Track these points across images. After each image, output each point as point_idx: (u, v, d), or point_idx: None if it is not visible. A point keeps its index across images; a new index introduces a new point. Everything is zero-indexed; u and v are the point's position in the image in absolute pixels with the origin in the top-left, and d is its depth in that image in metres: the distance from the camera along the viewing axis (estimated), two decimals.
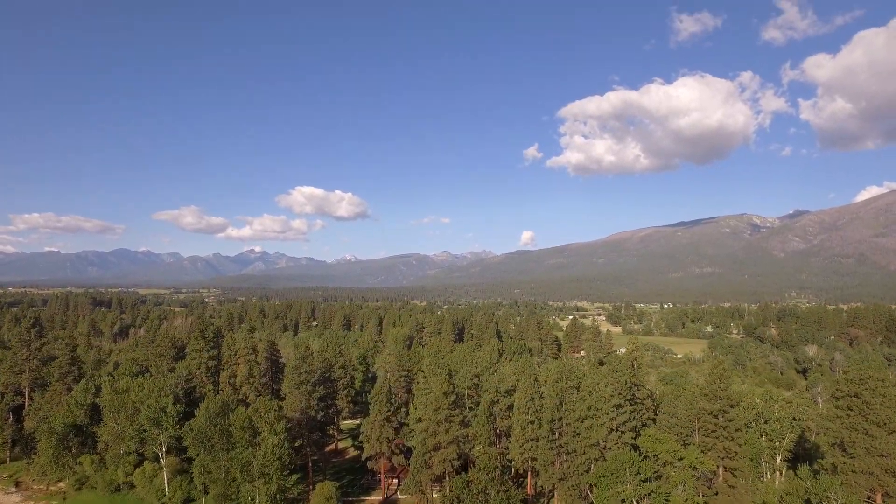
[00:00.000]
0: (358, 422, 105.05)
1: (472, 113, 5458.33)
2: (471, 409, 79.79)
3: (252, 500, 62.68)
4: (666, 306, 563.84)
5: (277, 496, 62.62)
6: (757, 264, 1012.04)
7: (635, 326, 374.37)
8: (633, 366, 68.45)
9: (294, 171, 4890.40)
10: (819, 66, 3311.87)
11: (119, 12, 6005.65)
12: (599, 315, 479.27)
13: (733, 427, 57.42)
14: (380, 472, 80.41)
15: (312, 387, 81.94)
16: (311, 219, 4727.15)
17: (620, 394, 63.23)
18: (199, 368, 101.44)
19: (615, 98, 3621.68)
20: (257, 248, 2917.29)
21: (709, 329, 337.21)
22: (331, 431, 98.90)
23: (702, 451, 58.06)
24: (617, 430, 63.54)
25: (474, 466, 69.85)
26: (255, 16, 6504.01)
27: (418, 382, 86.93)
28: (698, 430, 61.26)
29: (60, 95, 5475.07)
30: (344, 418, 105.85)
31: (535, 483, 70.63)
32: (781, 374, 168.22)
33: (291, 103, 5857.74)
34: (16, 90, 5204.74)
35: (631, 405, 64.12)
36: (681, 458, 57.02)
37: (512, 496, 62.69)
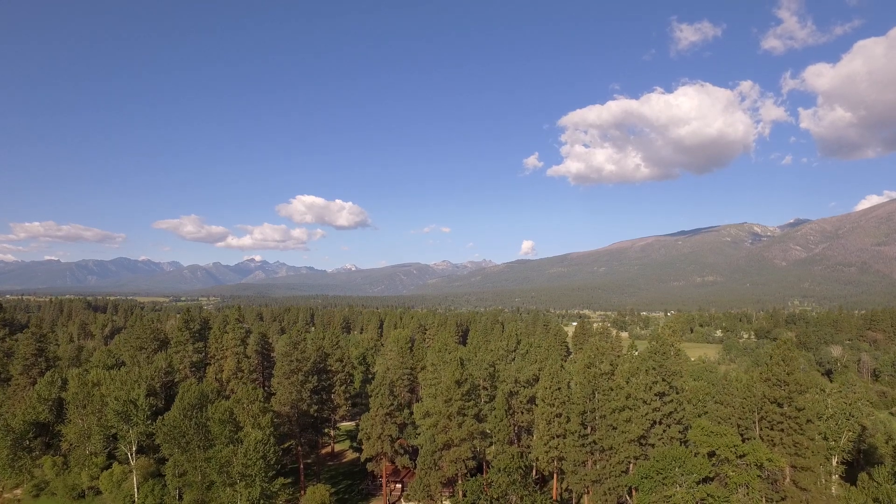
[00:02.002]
0: (357, 423, 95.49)
1: (472, 122, 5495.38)
2: (486, 402, 70.26)
3: None
4: (669, 314, 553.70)
5: (261, 502, 53.18)
6: (758, 273, 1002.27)
7: (642, 331, 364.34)
8: (672, 353, 59.21)
9: (294, 180, 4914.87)
10: (819, 76, 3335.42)
11: (119, 20, 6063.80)
12: (604, 322, 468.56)
13: (803, 418, 48.20)
14: (381, 476, 70.85)
15: (305, 376, 72.39)
16: (312, 228, 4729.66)
17: (664, 380, 53.84)
18: (182, 363, 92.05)
19: (615, 107, 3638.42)
20: (257, 258, 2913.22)
21: (718, 333, 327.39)
22: (327, 431, 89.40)
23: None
24: (661, 423, 54.08)
25: (490, 468, 60.56)
26: (256, 25, 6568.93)
27: (426, 373, 77.52)
28: (759, 421, 51.97)
29: (61, 104, 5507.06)
30: (342, 417, 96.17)
31: (562, 486, 61.17)
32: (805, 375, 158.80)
33: (292, 112, 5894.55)
34: (16, 98, 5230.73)
35: (676, 393, 54.75)
36: (742, 455, 47.73)
37: (537, 501, 53.50)
